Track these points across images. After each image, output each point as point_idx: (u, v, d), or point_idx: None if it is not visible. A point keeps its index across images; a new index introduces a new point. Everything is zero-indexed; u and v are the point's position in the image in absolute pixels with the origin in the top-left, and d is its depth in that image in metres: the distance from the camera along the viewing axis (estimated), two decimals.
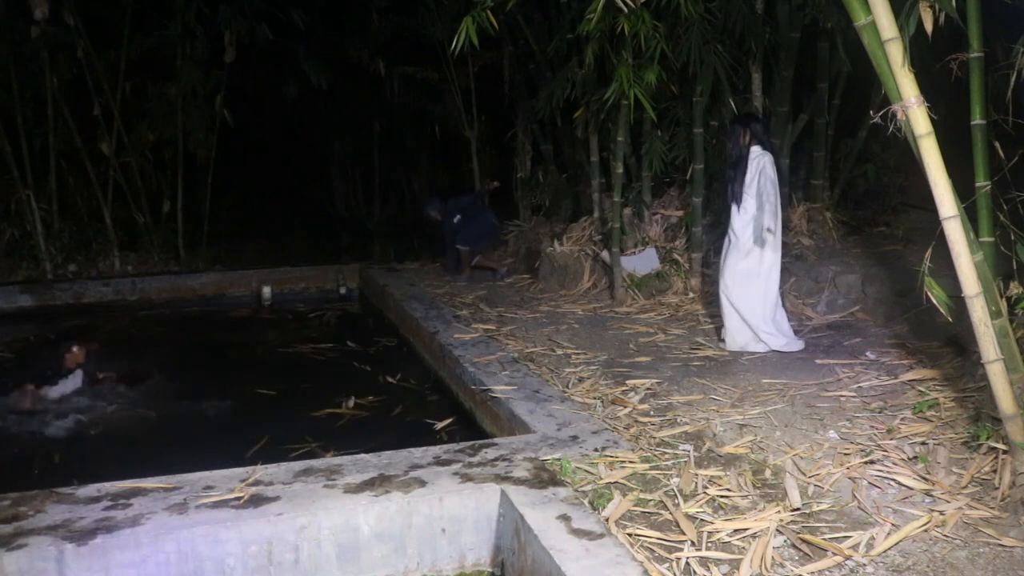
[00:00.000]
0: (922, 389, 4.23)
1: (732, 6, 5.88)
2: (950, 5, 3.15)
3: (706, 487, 3.27)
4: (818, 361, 4.89)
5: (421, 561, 3.12)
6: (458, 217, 8.27)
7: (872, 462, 3.45)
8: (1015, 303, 3.49)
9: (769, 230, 5.16)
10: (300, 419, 4.93)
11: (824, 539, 2.85)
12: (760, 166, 5.16)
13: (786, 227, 6.66)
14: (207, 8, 9.24)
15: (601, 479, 3.31)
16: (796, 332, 5.51)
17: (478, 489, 3.17)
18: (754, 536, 2.88)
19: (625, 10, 4.85)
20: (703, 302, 6.41)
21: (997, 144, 3.60)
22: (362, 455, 3.50)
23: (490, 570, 3.17)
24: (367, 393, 5.38)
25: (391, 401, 5.28)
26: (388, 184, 12.75)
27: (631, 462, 3.49)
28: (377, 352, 6.60)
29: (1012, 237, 3.46)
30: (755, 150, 5.21)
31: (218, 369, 6.35)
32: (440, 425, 4.73)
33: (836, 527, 2.96)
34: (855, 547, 2.80)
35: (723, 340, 5.41)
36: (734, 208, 5.24)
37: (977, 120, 3.37)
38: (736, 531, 2.91)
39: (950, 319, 3.49)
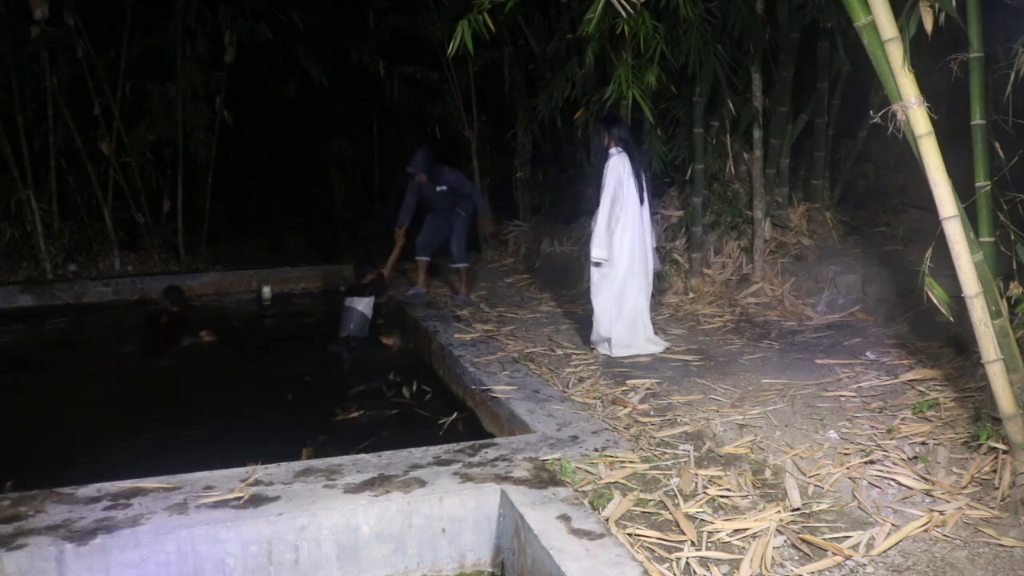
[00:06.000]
0: (922, 389, 4.23)
1: (732, 7, 5.88)
2: (950, 5, 3.15)
3: (706, 487, 3.27)
4: (818, 361, 4.89)
5: (421, 561, 3.12)
6: (443, 188, 7.22)
7: (872, 462, 3.45)
8: (1015, 303, 3.48)
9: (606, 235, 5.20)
10: (300, 423, 4.91)
11: (824, 539, 2.85)
12: (611, 166, 5.14)
13: (786, 227, 6.69)
14: (207, 8, 9.23)
15: (601, 479, 3.31)
16: (796, 332, 5.50)
17: (478, 489, 3.17)
18: (754, 536, 2.88)
19: (624, 15, 4.85)
20: (704, 302, 6.40)
21: (997, 144, 3.59)
22: (362, 455, 3.50)
23: (490, 570, 3.16)
24: (366, 393, 5.38)
25: (390, 402, 5.28)
26: (388, 184, 12.73)
27: (631, 462, 3.49)
28: (377, 351, 6.60)
29: (1012, 237, 3.46)
30: (613, 152, 5.19)
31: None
32: (443, 421, 4.73)
33: (836, 527, 2.96)
34: (855, 547, 2.80)
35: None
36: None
37: (977, 120, 3.37)
38: (736, 531, 2.91)
39: (950, 319, 3.49)
